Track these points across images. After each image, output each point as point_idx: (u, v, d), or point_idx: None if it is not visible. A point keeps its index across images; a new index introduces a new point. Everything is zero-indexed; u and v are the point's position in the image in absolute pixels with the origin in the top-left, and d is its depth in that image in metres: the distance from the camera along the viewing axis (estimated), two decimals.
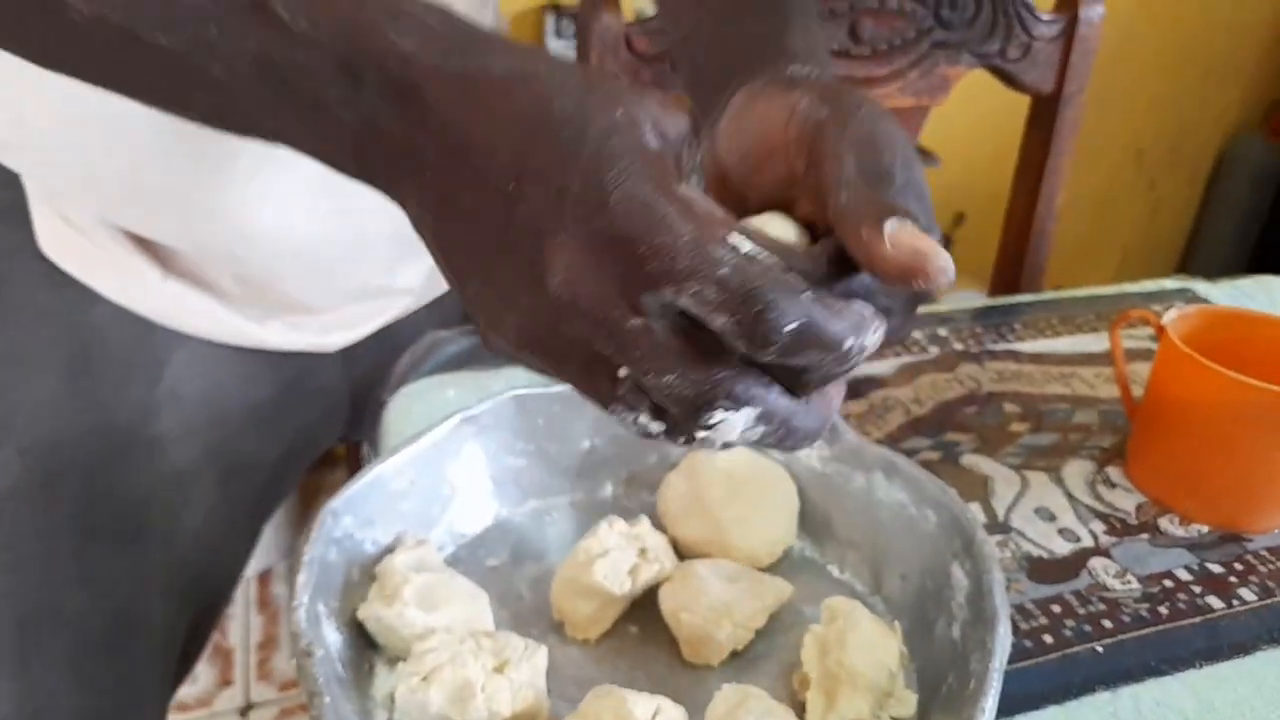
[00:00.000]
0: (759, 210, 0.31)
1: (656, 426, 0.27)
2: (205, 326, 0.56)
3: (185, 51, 0.28)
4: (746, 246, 0.25)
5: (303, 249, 0.54)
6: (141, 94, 0.31)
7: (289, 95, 0.28)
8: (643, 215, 0.25)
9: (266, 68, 0.28)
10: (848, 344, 0.26)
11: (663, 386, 0.26)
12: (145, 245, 0.54)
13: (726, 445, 0.28)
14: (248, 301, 0.56)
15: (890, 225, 0.26)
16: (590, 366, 0.27)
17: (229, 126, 0.31)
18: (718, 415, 0.26)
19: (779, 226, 0.30)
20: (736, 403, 0.26)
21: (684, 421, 0.27)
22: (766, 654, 0.44)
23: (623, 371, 0.26)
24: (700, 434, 0.27)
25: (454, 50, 0.27)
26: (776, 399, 0.27)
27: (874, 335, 0.27)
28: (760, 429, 0.27)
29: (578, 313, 0.26)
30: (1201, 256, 2.24)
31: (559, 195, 0.26)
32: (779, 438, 0.28)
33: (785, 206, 0.31)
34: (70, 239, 0.52)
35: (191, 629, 0.61)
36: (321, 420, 0.66)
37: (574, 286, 0.26)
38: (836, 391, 0.29)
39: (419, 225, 0.29)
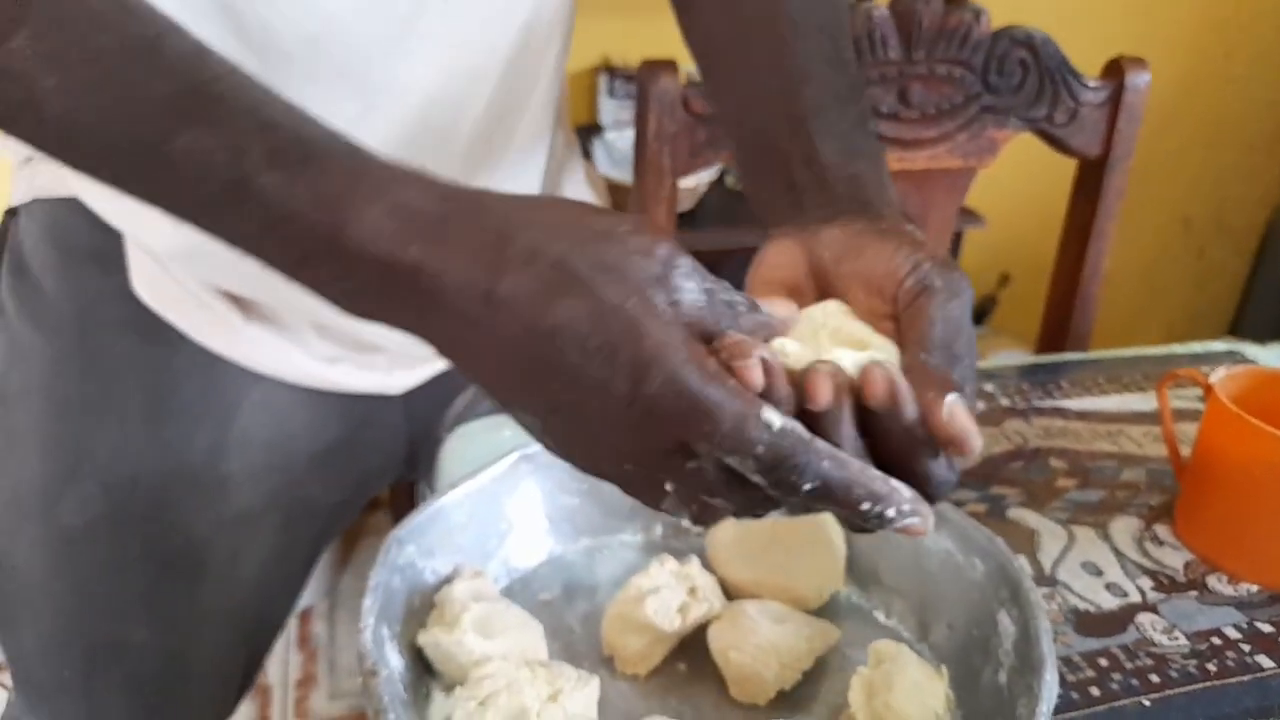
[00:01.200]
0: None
1: (695, 525, 0.35)
2: (279, 367, 0.59)
3: (182, 213, 0.33)
4: (777, 423, 0.30)
5: None
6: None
7: (285, 258, 0.32)
8: (687, 406, 0.29)
9: (260, 234, 0.31)
10: (864, 505, 0.30)
11: (714, 504, 0.32)
12: (231, 293, 0.57)
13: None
14: (321, 338, 0.59)
15: (951, 399, 0.31)
16: (642, 490, 0.33)
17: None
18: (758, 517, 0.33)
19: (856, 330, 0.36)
20: (772, 506, 0.32)
21: (740, 515, 0.33)
22: (813, 695, 0.44)
23: (669, 486, 0.32)
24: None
25: (451, 233, 0.30)
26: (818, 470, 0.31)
27: (901, 508, 0.31)
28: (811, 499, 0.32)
29: (634, 464, 0.32)
30: (1249, 324, 2.21)
31: (608, 395, 0.29)
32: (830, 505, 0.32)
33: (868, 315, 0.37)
34: (162, 283, 0.55)
35: (245, 663, 0.63)
36: (380, 466, 0.68)
37: (632, 456, 0.31)
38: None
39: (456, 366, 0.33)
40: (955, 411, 0.31)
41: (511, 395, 0.32)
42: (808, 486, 0.30)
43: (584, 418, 0.31)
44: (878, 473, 0.31)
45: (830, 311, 0.37)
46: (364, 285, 0.31)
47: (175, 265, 0.54)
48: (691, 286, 0.31)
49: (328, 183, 0.30)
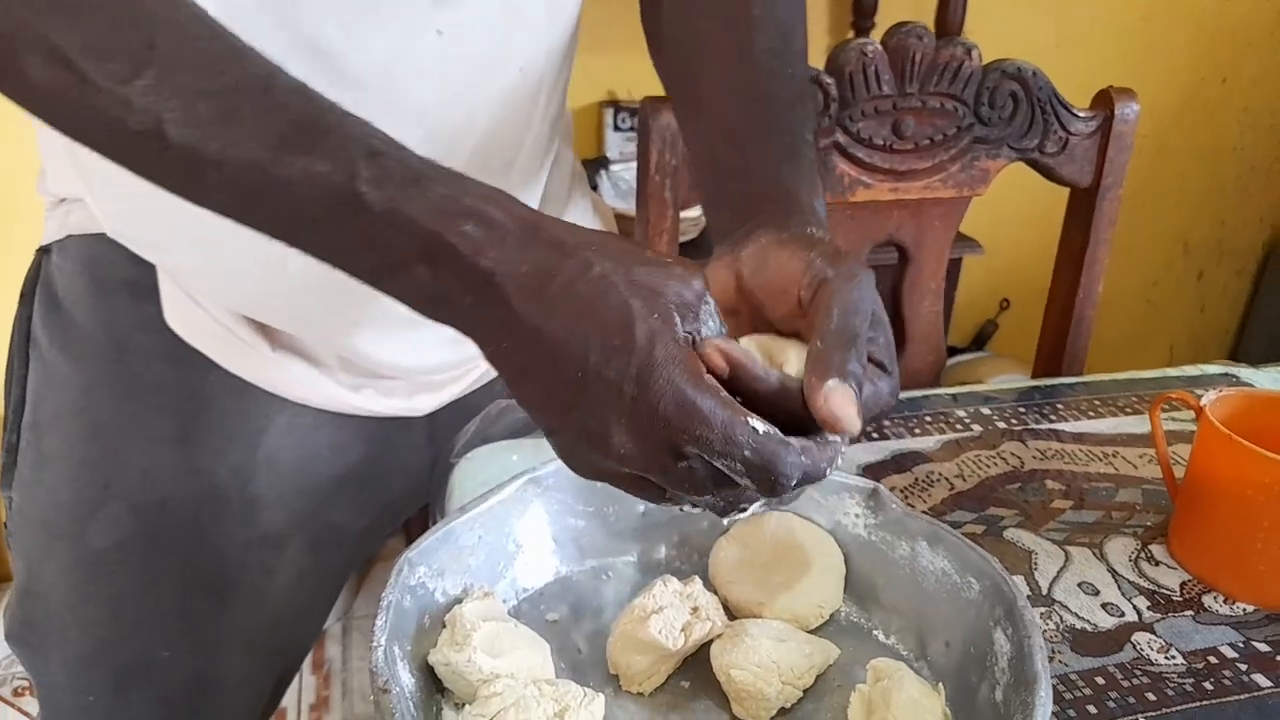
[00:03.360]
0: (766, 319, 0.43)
1: (696, 511, 0.38)
2: (304, 393, 0.60)
3: (289, 232, 0.37)
4: (761, 428, 0.34)
5: (404, 323, 0.58)
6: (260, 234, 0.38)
7: (380, 264, 0.36)
8: (684, 411, 0.33)
9: (361, 244, 0.35)
10: (829, 473, 0.37)
11: (702, 502, 0.37)
12: (259, 323, 0.59)
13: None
14: (345, 369, 0.60)
15: (830, 384, 0.35)
16: (643, 489, 0.37)
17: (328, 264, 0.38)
18: (741, 511, 0.38)
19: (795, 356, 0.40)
20: (752, 501, 0.37)
21: (719, 515, 0.38)
22: (814, 713, 0.45)
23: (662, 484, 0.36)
24: (733, 515, 0.38)
25: (521, 245, 0.35)
26: (790, 476, 0.35)
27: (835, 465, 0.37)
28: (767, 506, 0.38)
29: (635, 466, 0.35)
30: (1250, 348, 2.22)
31: (618, 393, 0.34)
32: (788, 500, 0.38)
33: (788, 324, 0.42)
34: (194, 314, 0.56)
35: (270, 687, 0.64)
36: (405, 492, 0.69)
37: (632, 456, 0.35)
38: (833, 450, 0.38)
39: (493, 364, 0.37)
40: (830, 397, 0.35)
41: (537, 393, 0.36)
42: (792, 483, 0.34)
43: (594, 416, 0.34)
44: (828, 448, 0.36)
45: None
46: (444, 288, 0.35)
47: (205, 297, 0.56)
48: (714, 324, 0.36)
49: (433, 198, 0.35)
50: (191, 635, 0.57)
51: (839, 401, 0.35)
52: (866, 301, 0.39)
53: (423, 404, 0.64)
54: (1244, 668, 0.50)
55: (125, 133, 0.35)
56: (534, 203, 0.63)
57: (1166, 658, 0.50)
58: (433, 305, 0.36)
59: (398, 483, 0.67)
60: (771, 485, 0.34)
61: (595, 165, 1.65)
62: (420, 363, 0.61)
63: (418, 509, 0.71)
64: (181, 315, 0.56)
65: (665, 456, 0.34)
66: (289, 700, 1.47)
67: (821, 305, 0.38)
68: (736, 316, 0.44)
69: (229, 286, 0.55)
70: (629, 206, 1.50)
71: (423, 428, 0.66)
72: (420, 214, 0.34)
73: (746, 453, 0.33)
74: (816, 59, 0.76)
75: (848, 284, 0.38)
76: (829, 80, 0.76)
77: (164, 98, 0.34)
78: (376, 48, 0.48)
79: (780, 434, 0.35)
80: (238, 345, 0.56)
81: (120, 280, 0.57)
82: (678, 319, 0.34)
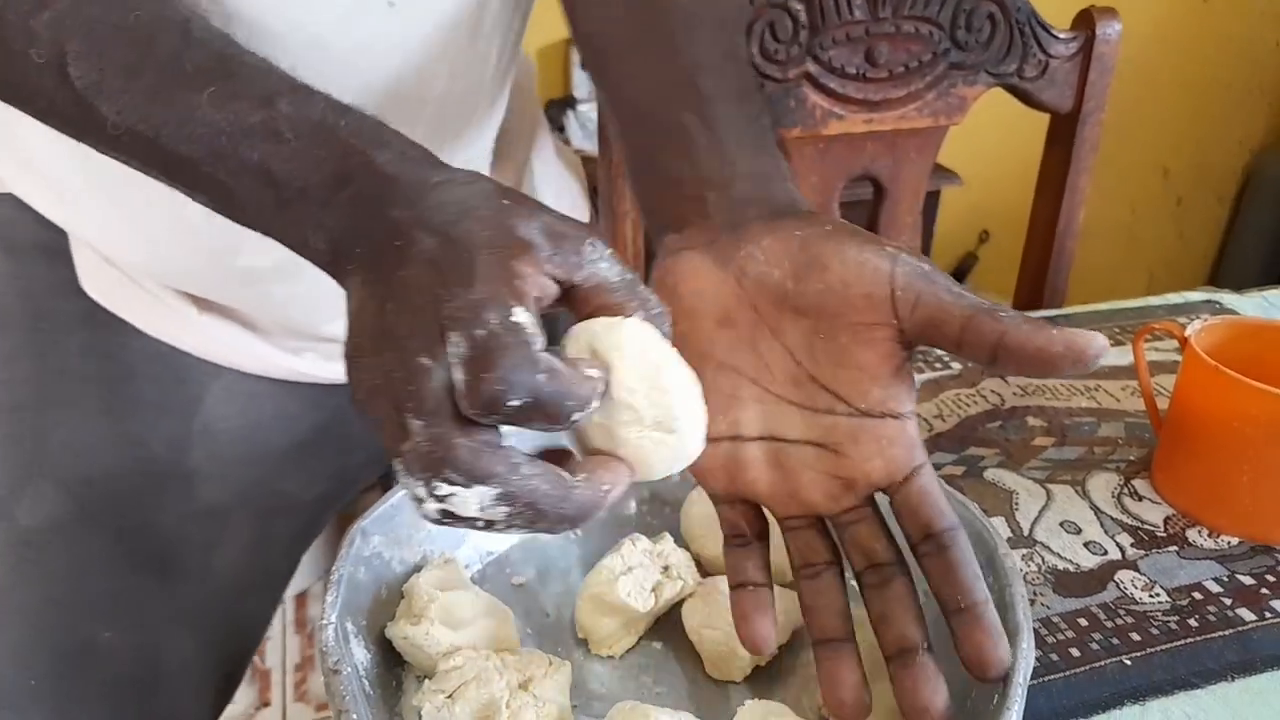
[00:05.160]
0: None
1: (420, 492, 0.27)
2: (240, 359, 0.57)
3: (197, 156, 0.32)
4: (523, 319, 0.27)
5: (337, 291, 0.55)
6: (151, 174, 0.35)
7: (280, 200, 0.32)
8: (465, 258, 0.27)
9: (264, 176, 0.32)
10: (572, 415, 0.27)
11: (415, 436, 0.26)
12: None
13: (478, 524, 0.27)
14: (282, 333, 0.58)
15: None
16: (385, 406, 0.27)
17: (228, 216, 0.35)
18: (444, 487, 0.26)
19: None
20: (466, 476, 0.26)
21: (421, 484, 0.26)
22: (790, 669, 0.44)
23: (404, 417, 0.26)
24: (433, 506, 0.27)
25: (427, 166, 0.31)
26: (523, 480, 0.27)
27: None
28: (503, 509, 0.27)
29: (395, 345, 0.27)
30: (1230, 273, 2.22)
31: (429, 263, 0.28)
32: (528, 520, 0.27)
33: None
34: (110, 276, 0.53)
35: (225, 665, 0.62)
36: (360, 460, 0.67)
37: (399, 320, 0.27)
38: (611, 478, 0.30)
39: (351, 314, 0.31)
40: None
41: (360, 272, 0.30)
42: (513, 401, 0.26)
43: (389, 282, 0.29)
44: (580, 372, 0.28)
45: None
46: (356, 198, 0.31)
47: (121, 261, 0.53)
48: (604, 263, 0.30)
49: (357, 123, 0.32)
50: (132, 615, 0.54)
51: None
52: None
53: None
54: (1228, 602, 0.49)
55: (28, 67, 0.33)
56: (483, 152, 0.59)
57: (1150, 595, 0.49)
58: (318, 233, 0.32)
59: (352, 450, 0.64)
60: (477, 391, 0.25)
61: (562, 105, 1.60)
62: None
63: (377, 476, 0.69)
64: (97, 279, 0.53)
65: (420, 333, 0.27)
66: (274, 660, 1.47)
67: (938, 302, 0.34)
68: (730, 330, 0.36)
69: (148, 257, 0.52)
70: (596, 147, 1.47)
71: None
72: (352, 131, 0.32)
73: (478, 330, 0.26)
74: None
75: (942, 277, 0.34)
76: (798, 6, 0.72)
77: (69, 30, 0.32)
78: (324, 20, 0.44)
79: (539, 343, 0.27)
80: (160, 309, 0.53)
81: (31, 243, 0.53)
82: (531, 212, 0.30)
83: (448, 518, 0.27)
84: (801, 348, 0.36)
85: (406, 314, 0.28)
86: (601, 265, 0.30)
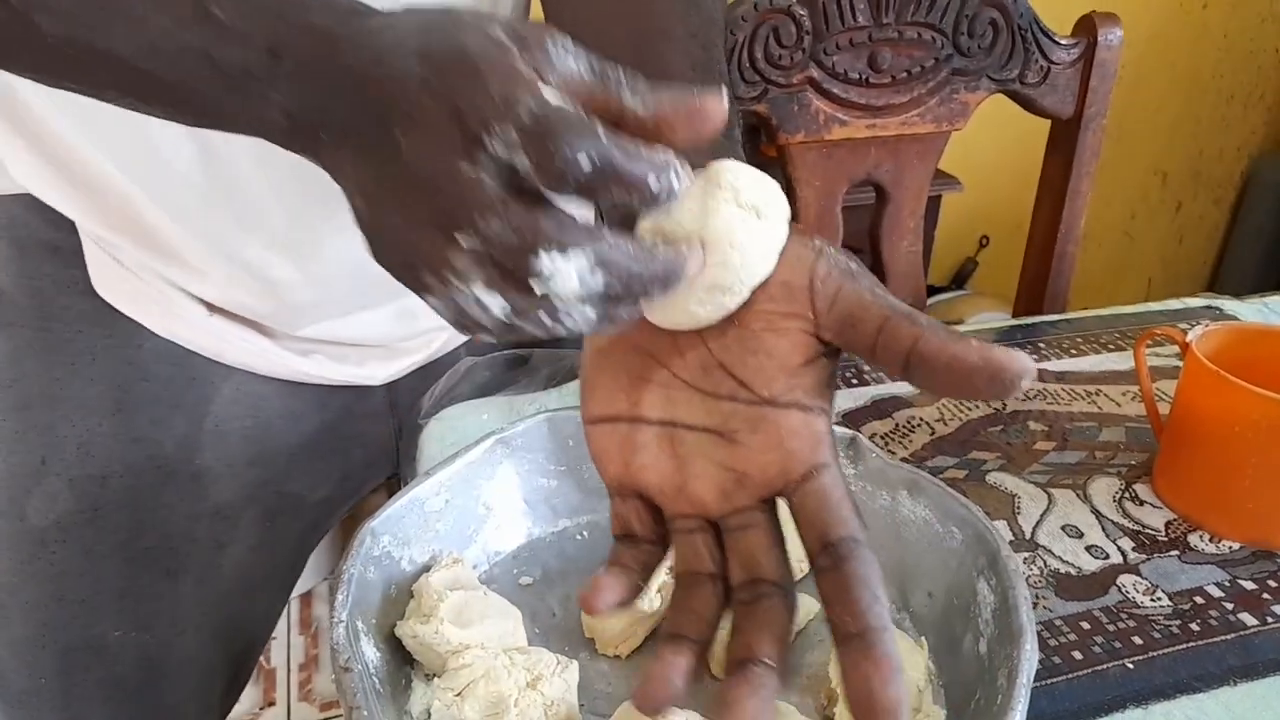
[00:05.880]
0: None
1: (495, 302, 0.27)
2: (249, 359, 0.57)
3: (139, 55, 0.31)
4: (554, 98, 0.27)
5: (339, 295, 0.55)
6: (107, 97, 0.33)
7: (228, 84, 0.30)
8: (464, 66, 0.27)
9: (206, 61, 0.30)
10: (650, 182, 0.27)
11: (493, 238, 0.26)
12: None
13: (581, 316, 0.28)
14: (289, 336, 0.58)
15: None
16: (433, 238, 0.27)
17: (187, 119, 0.33)
18: (545, 262, 0.26)
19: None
20: (561, 245, 0.26)
21: (517, 273, 0.27)
22: (794, 669, 0.44)
23: (460, 236, 0.27)
24: (537, 289, 0.27)
25: (360, 12, 0.30)
26: (611, 246, 0.27)
27: (679, 177, 0.28)
28: (601, 278, 0.27)
29: (424, 174, 0.27)
30: (1229, 278, 2.22)
31: (422, 83, 0.27)
32: (625, 284, 0.28)
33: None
34: (120, 276, 0.54)
35: (231, 665, 0.62)
36: (366, 461, 0.67)
37: (419, 148, 0.27)
38: (686, 249, 0.30)
39: (348, 196, 0.30)
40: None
41: (370, 173, 0.29)
42: (584, 164, 0.26)
43: (391, 131, 0.28)
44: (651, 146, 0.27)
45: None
46: (296, 79, 0.30)
47: (124, 252, 0.53)
48: (571, 58, 0.29)
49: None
50: (140, 614, 0.55)
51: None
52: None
53: (376, 372, 0.61)
54: (1230, 606, 0.49)
55: None
56: None
57: (1152, 599, 0.49)
58: (273, 111, 0.31)
59: (357, 452, 0.65)
60: (550, 163, 0.26)
61: None
62: (363, 335, 0.59)
63: (383, 478, 0.69)
64: (108, 279, 0.53)
65: (450, 152, 0.27)
66: (278, 660, 1.47)
67: (854, 295, 0.32)
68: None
69: (133, 231, 0.52)
70: None
71: (382, 396, 0.63)
72: (266, 14, 0.30)
73: (521, 114, 0.26)
74: None
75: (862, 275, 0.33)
76: (801, 12, 0.72)
77: None
78: None
79: (580, 113, 0.27)
80: (171, 310, 0.54)
81: (42, 242, 0.53)
82: (493, 27, 0.28)
83: (536, 310, 0.27)
84: (714, 334, 0.34)
85: (425, 142, 0.27)
86: (570, 61, 0.29)
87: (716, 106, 0.28)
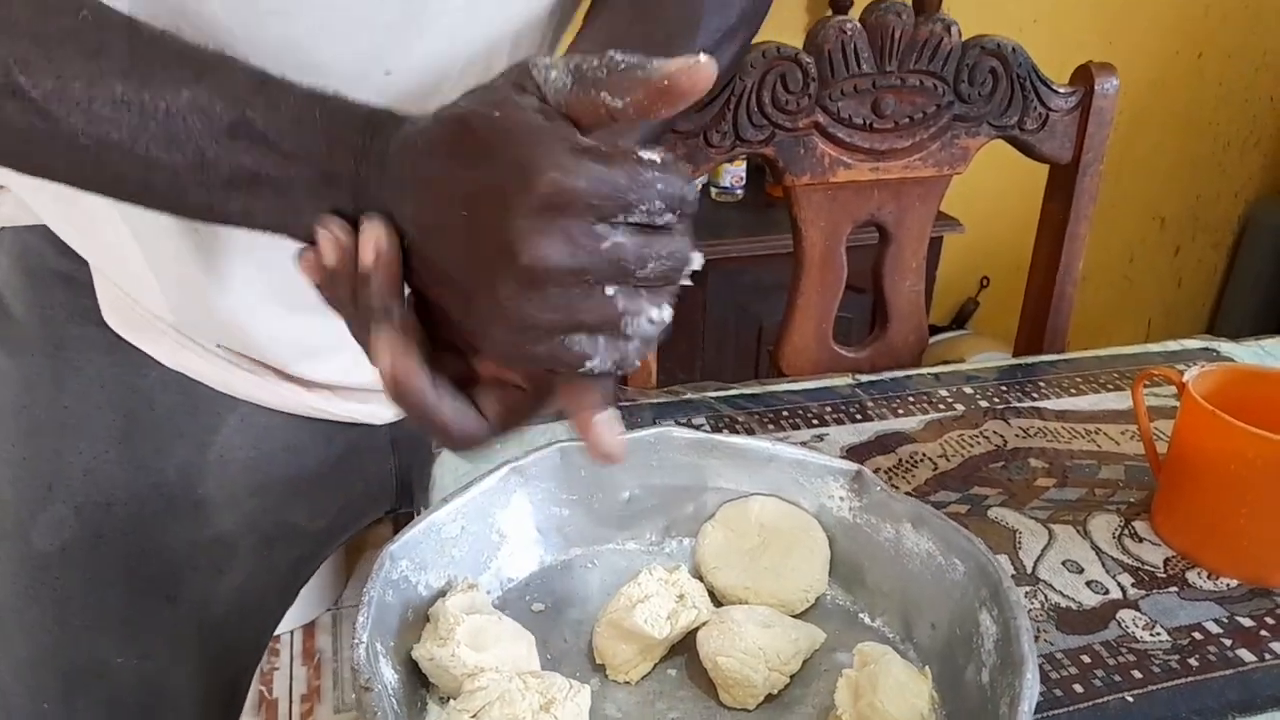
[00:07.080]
0: None
1: (655, 321, 0.32)
2: (256, 392, 0.58)
3: (182, 168, 0.33)
4: (654, 154, 0.31)
5: (332, 345, 0.56)
6: (125, 198, 0.35)
7: (278, 202, 0.33)
8: (578, 185, 0.29)
9: (257, 181, 0.33)
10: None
11: (661, 259, 0.31)
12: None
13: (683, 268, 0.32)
14: (295, 378, 0.59)
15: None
16: (582, 319, 0.31)
17: (214, 222, 0.35)
18: (696, 260, 0.32)
19: None
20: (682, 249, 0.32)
21: (675, 277, 0.32)
22: (801, 698, 0.45)
23: (610, 290, 0.31)
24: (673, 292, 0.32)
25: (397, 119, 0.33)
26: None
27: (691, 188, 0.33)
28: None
29: (553, 268, 0.30)
30: (1227, 320, 2.24)
31: (500, 195, 0.30)
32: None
33: None
34: (129, 306, 0.54)
35: (226, 690, 0.63)
36: (366, 496, 0.68)
37: (540, 249, 0.29)
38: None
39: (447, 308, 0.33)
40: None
41: (443, 242, 0.32)
42: (695, 198, 0.31)
43: (496, 234, 0.30)
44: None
45: None
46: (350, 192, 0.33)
47: (139, 298, 0.54)
48: (555, 73, 0.32)
49: (331, 108, 0.33)
50: (140, 639, 0.55)
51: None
52: None
53: (381, 411, 0.62)
54: (1228, 643, 0.50)
55: None
56: None
57: (1151, 635, 0.50)
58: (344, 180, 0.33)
59: (358, 486, 0.65)
60: (687, 211, 0.31)
61: None
62: (367, 380, 0.60)
63: (381, 513, 0.70)
64: (118, 310, 0.54)
65: (578, 241, 0.30)
66: (280, 690, 1.46)
67: None
68: None
69: (159, 301, 0.54)
70: None
71: (385, 434, 0.64)
72: (318, 141, 0.32)
73: (661, 187, 0.30)
74: (795, 37, 0.75)
75: None
76: (808, 59, 0.75)
77: (12, 36, 0.31)
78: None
79: (671, 157, 0.32)
80: (179, 343, 0.55)
81: (55, 272, 0.54)
82: (516, 97, 0.31)
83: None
84: None
85: (550, 244, 0.29)
86: (553, 75, 0.32)
87: (686, 77, 0.30)
